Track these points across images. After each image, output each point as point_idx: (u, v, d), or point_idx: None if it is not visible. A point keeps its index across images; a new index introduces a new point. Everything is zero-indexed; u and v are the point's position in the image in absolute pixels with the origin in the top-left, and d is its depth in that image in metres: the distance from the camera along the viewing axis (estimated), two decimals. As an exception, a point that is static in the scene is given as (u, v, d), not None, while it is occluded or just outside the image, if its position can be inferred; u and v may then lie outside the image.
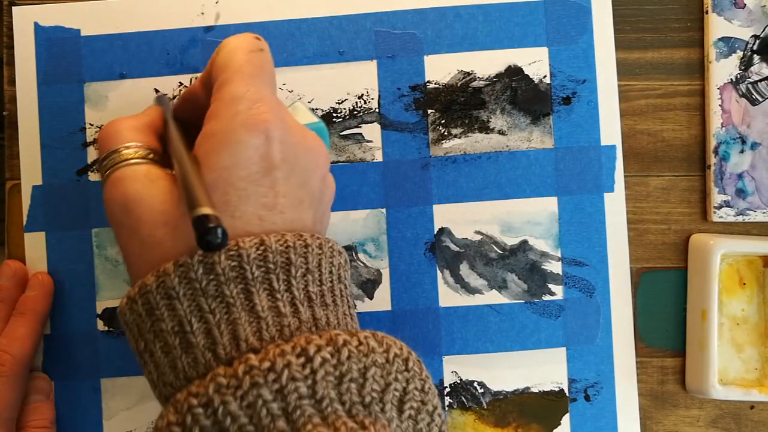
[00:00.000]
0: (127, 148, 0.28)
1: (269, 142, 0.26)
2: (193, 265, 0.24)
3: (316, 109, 0.38)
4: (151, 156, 0.28)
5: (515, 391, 0.38)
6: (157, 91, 0.38)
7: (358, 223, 0.38)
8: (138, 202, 0.26)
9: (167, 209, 0.26)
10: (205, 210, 0.23)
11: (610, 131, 0.39)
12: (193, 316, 0.24)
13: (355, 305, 0.30)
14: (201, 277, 0.24)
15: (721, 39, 0.38)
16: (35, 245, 0.38)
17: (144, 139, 0.29)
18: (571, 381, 0.38)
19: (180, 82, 0.38)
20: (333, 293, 0.27)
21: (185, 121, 0.31)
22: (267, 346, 0.23)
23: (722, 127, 0.38)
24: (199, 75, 0.36)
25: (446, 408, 0.38)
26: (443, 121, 0.39)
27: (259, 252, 0.25)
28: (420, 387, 0.25)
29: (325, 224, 0.30)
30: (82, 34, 0.38)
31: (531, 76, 0.39)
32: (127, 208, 0.27)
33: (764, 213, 0.38)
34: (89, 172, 0.38)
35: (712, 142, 0.39)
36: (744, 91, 0.38)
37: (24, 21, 0.38)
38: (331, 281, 0.27)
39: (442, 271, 0.38)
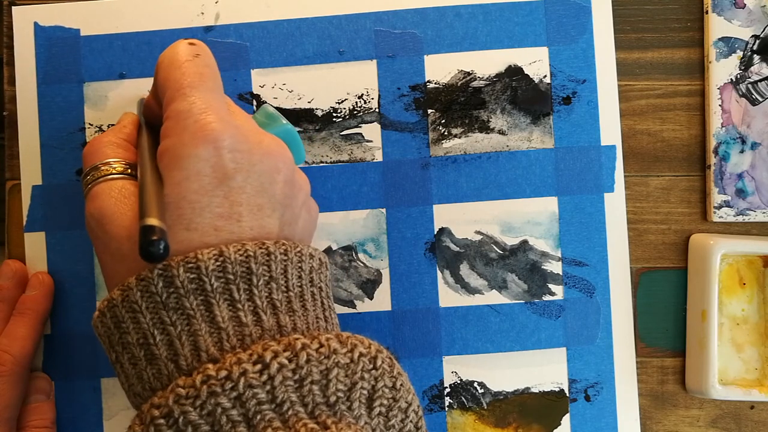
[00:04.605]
0: (106, 164, 0.29)
1: (219, 152, 0.26)
2: (153, 279, 0.25)
3: (316, 109, 0.38)
4: (129, 171, 0.29)
5: (515, 391, 0.38)
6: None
7: (358, 223, 0.38)
8: (109, 217, 0.27)
9: (133, 224, 0.27)
10: (151, 221, 0.24)
11: (610, 131, 0.39)
12: (155, 329, 0.25)
13: (333, 307, 0.30)
14: (161, 291, 0.25)
15: (721, 39, 0.38)
16: (35, 245, 0.38)
17: (123, 154, 0.30)
18: (571, 381, 0.38)
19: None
20: (302, 298, 0.27)
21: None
22: (225, 356, 0.24)
23: (722, 127, 0.38)
24: None
25: (446, 408, 0.38)
26: (443, 121, 0.39)
27: (218, 263, 0.25)
28: (390, 384, 0.26)
29: (300, 227, 0.30)
30: (82, 34, 0.38)
31: (531, 76, 0.39)
32: (100, 223, 0.27)
33: (764, 213, 0.38)
34: (89, 172, 0.38)
35: (712, 142, 0.39)
36: (744, 91, 0.38)
37: (24, 21, 0.38)
38: (300, 286, 0.27)
39: (442, 271, 0.38)
